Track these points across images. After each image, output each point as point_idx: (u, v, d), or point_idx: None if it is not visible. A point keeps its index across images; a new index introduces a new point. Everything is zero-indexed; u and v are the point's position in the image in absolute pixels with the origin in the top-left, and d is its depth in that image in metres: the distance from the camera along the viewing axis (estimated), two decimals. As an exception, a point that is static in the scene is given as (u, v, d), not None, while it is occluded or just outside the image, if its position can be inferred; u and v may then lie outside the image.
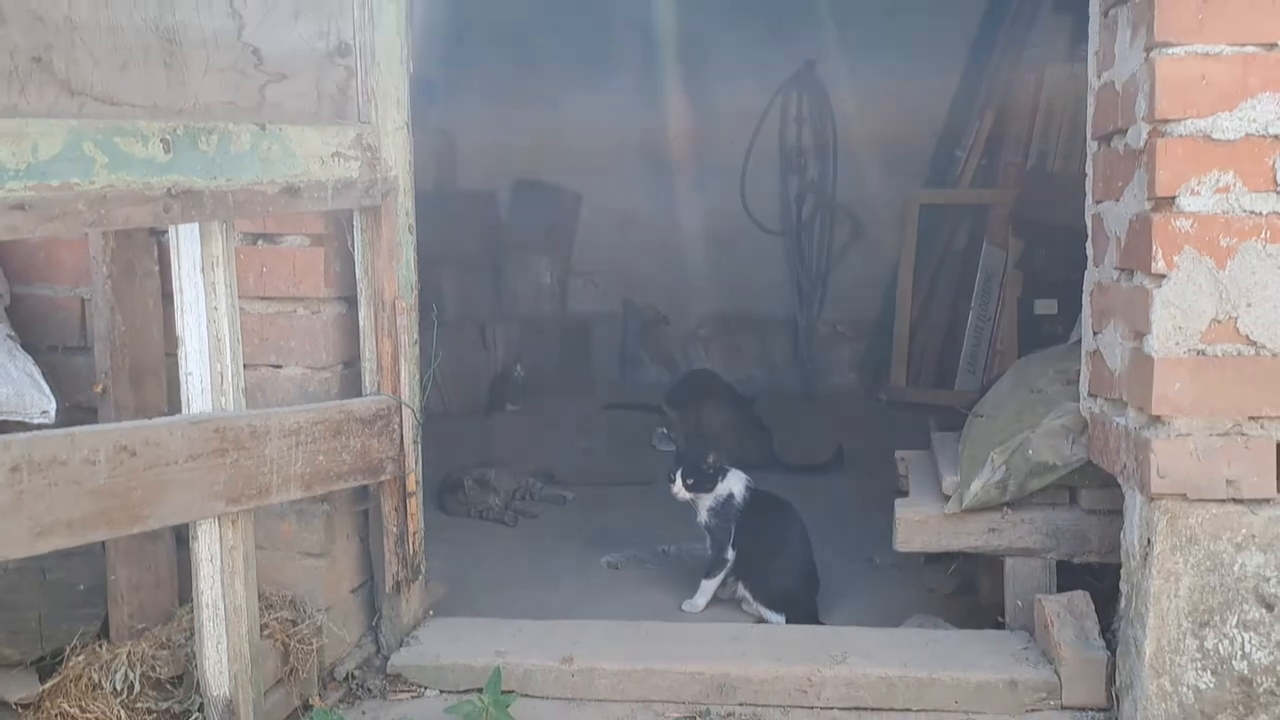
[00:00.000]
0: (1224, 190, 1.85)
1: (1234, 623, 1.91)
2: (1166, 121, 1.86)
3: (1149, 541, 1.94)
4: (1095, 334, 2.24)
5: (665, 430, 5.27)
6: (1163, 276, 1.88)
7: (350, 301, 2.22)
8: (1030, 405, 2.47)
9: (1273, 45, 1.82)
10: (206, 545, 1.80)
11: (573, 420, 5.77)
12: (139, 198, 1.59)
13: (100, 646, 1.96)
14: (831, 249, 6.53)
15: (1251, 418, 1.88)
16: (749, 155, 6.49)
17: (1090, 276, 2.27)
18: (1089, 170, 2.26)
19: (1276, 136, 1.83)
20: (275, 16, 1.86)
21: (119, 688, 1.87)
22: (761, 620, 2.88)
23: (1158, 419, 1.91)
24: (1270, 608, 1.89)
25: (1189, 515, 1.91)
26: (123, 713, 1.84)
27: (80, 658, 1.93)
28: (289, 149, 1.85)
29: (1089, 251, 2.27)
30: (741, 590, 2.96)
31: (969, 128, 6.21)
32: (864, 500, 3.73)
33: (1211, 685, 1.91)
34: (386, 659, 2.26)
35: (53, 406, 1.97)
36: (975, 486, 2.43)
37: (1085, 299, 2.30)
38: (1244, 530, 1.89)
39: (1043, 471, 2.39)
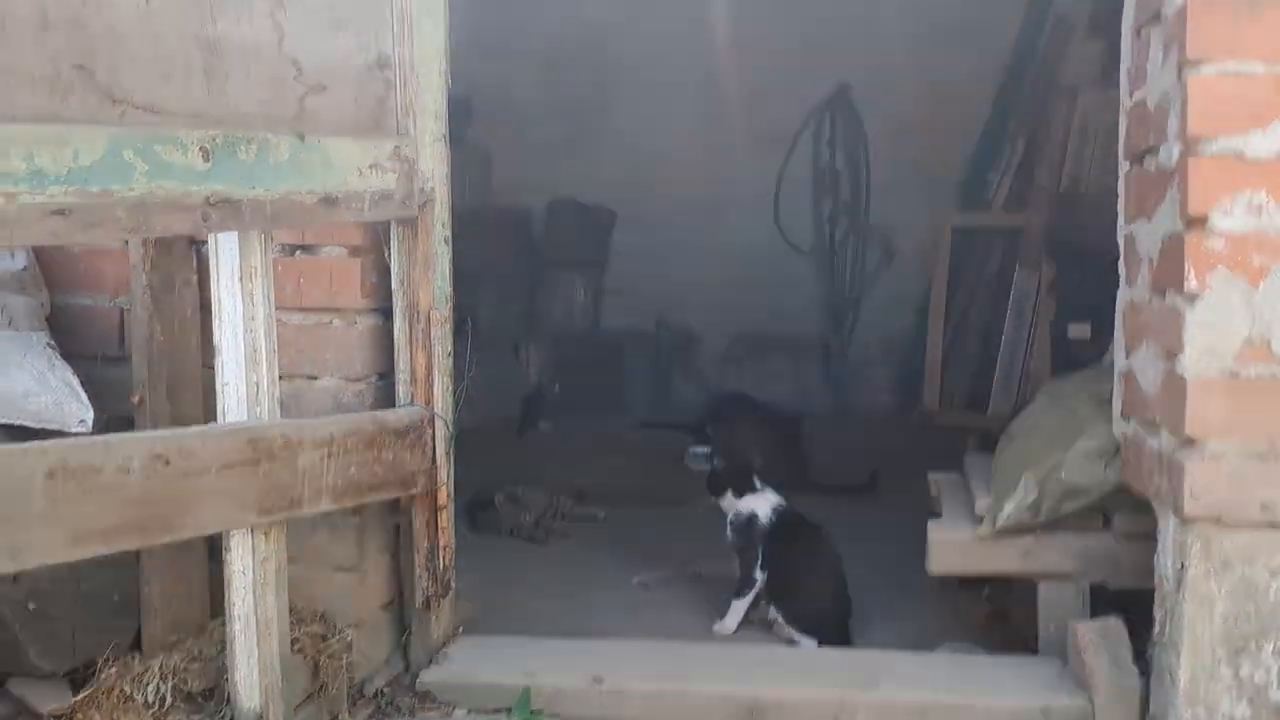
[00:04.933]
0: (1257, 209, 1.84)
1: (1270, 651, 1.88)
2: (1199, 140, 1.85)
3: (1182, 566, 1.91)
4: (1128, 355, 2.22)
5: (700, 450, 5.27)
6: (1195, 296, 1.86)
7: (386, 313, 2.25)
8: (1063, 427, 2.45)
9: (1309, 64, 1.81)
10: (239, 557, 1.82)
11: (605, 438, 5.79)
12: (177, 206, 1.62)
13: (133, 659, 1.98)
14: (864, 271, 6.55)
15: (1287, 440, 1.86)
16: (782, 176, 6.53)
17: (1123, 296, 2.26)
18: (1121, 190, 2.25)
19: (1312, 156, 1.81)
20: (315, 28, 1.89)
21: (150, 700, 1.88)
22: (793, 643, 2.88)
23: (1191, 441, 1.88)
24: (1307, 635, 1.87)
25: (1223, 539, 1.88)
26: (154, 725, 1.86)
27: (112, 669, 1.95)
28: (328, 160, 1.88)
29: (1121, 272, 2.26)
30: (773, 613, 2.95)
31: (1001, 152, 6.21)
32: (897, 523, 3.71)
33: (1248, 715, 1.88)
34: (416, 676, 2.27)
35: (90, 416, 2.00)
36: (1008, 508, 2.41)
37: (1118, 320, 2.28)
38: (1279, 556, 1.87)
39: (1076, 494, 2.37)
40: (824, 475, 4.87)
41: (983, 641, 2.66)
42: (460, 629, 2.44)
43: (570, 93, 6.75)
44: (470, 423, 5.77)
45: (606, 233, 6.76)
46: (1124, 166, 2.24)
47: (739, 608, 2.97)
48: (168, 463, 1.65)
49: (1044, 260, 5.73)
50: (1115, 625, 2.23)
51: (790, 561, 2.96)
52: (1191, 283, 1.86)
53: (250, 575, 1.83)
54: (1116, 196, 2.32)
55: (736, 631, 2.96)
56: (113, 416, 2.19)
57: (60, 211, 1.45)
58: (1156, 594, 2.06)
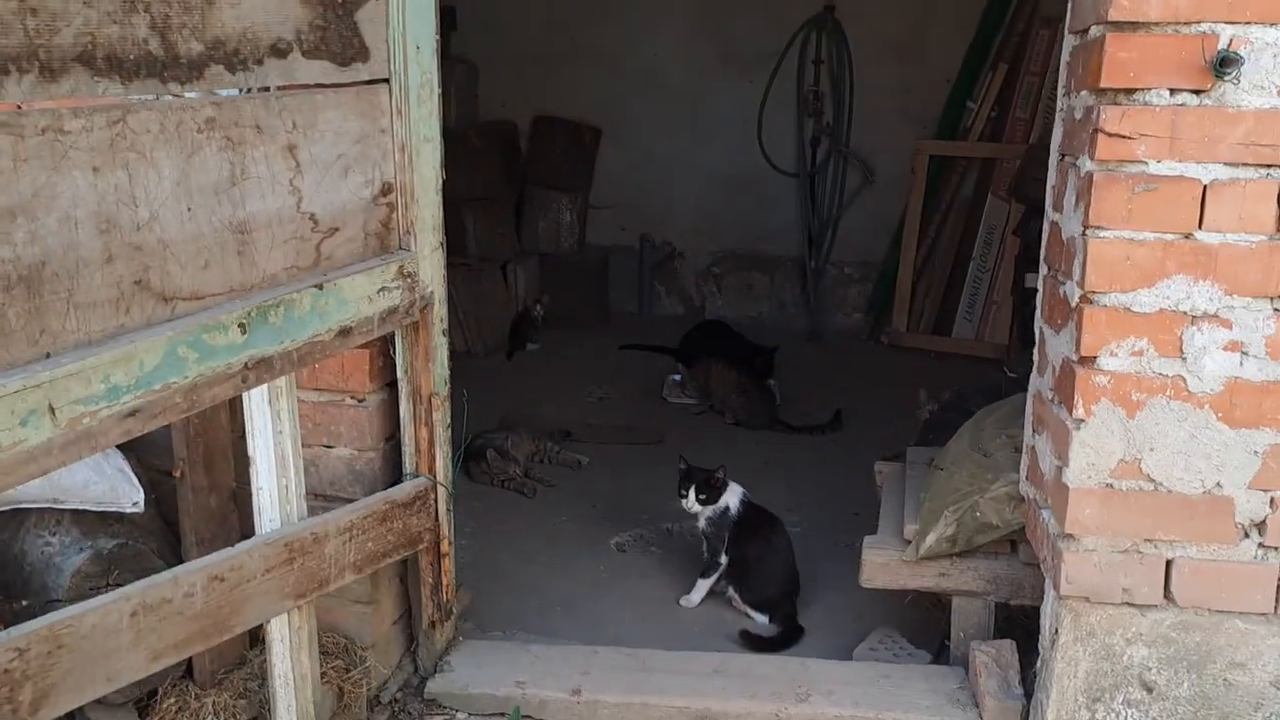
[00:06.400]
0: (1138, 354, 2.16)
1: (1120, 700, 2.31)
2: (1094, 292, 2.15)
3: (1056, 631, 2.32)
4: (1034, 433, 2.57)
5: (677, 378, 5.63)
6: (1082, 421, 2.20)
7: (392, 385, 2.57)
8: (981, 469, 2.81)
9: (1189, 235, 2.10)
10: (278, 629, 2.20)
11: (590, 359, 6.14)
12: (222, 378, 1.92)
13: (188, 689, 2.39)
14: (843, 193, 6.74)
15: (1147, 539, 2.23)
16: (766, 95, 6.65)
17: (1033, 384, 2.59)
18: (1040, 290, 2.55)
19: (1185, 312, 2.12)
20: (329, 180, 2.15)
21: (207, 732, 2.31)
22: (748, 617, 3.33)
23: (1070, 535, 2.26)
24: (1150, 690, 2.29)
25: (1090, 614, 2.29)
26: (211, 754, 2.29)
27: (171, 700, 2.36)
28: (342, 298, 2.16)
29: (1034, 360, 2.59)
30: (731, 592, 3.39)
31: (981, 80, 6.36)
32: (857, 468, 4.11)
33: (1100, 749, 2.33)
34: (424, 680, 2.70)
35: (141, 497, 2.35)
36: (930, 539, 2.80)
37: (1029, 403, 2.62)
38: (1134, 628, 2.27)
39: (987, 530, 2.76)
40: (793, 413, 5.24)
41: (913, 613, 3.08)
42: (462, 622, 2.85)
43: (556, 6, 6.80)
44: (461, 346, 6.13)
45: (591, 150, 6.90)
46: (1043, 269, 2.53)
47: (703, 585, 3.42)
48: (222, 580, 2.01)
49: (1011, 205, 5.96)
50: (1008, 649, 2.66)
51: (749, 548, 3.38)
52: (1079, 411, 2.20)
53: (288, 643, 2.22)
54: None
55: (700, 604, 3.41)
56: (154, 469, 2.54)
57: (132, 413, 1.76)
58: (1039, 638, 2.48)
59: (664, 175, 6.84)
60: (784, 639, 3.18)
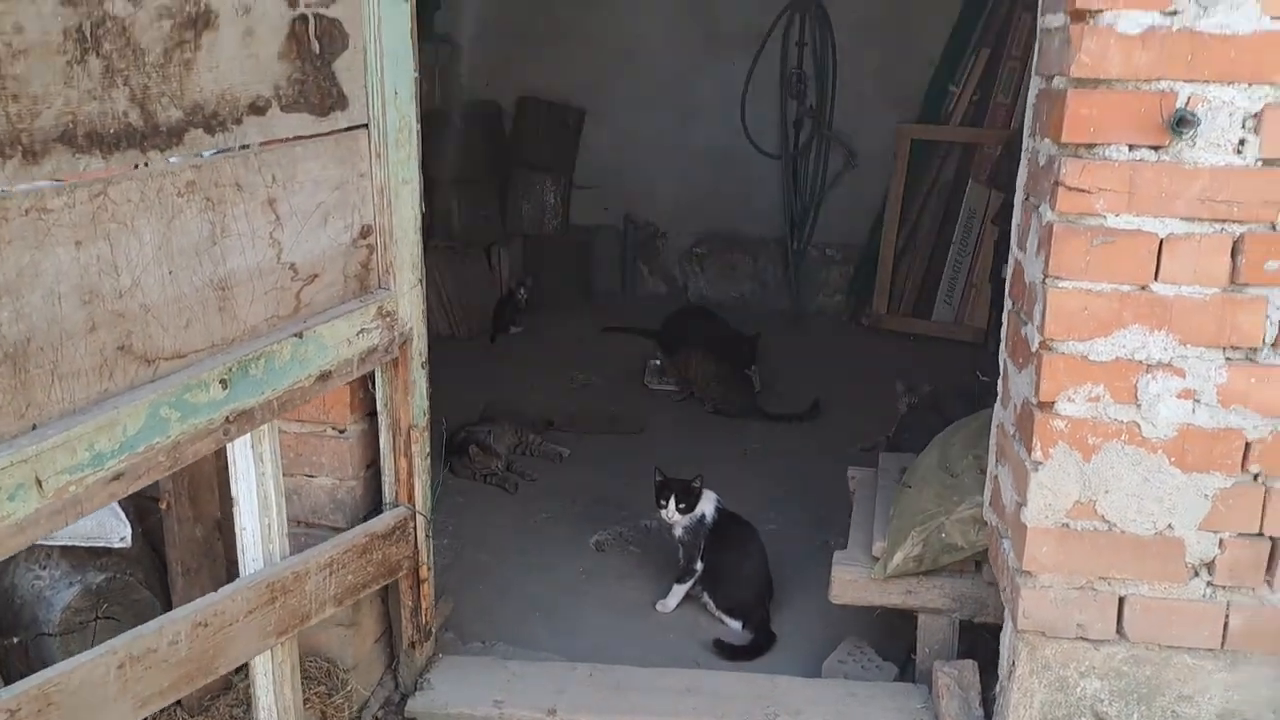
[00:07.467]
0: (1094, 400, 2.23)
1: (1074, 728, 2.41)
2: (1053, 340, 2.21)
3: (1013, 663, 2.42)
4: (996, 463, 2.64)
5: (657, 362, 5.69)
6: (1040, 463, 2.28)
7: (372, 415, 2.63)
8: (948, 490, 2.89)
9: (1145, 286, 2.16)
10: (261, 665, 2.28)
11: (573, 342, 6.20)
12: (204, 433, 1.98)
13: (176, 716, 2.47)
14: (826, 175, 6.77)
15: (1100, 577, 2.32)
16: (750, 77, 6.64)
17: (997, 416, 2.66)
18: (1005, 326, 2.62)
19: (1141, 361, 2.19)
20: (308, 229, 2.18)
21: (198, 757, 2.39)
22: (722, 623, 3.42)
23: (1028, 572, 2.35)
24: (1102, 720, 2.39)
25: (1045, 647, 2.38)
26: (204, 777, 2.38)
27: (162, 726, 2.45)
28: (322, 344, 2.21)
29: (998, 390, 2.66)
30: (706, 598, 3.48)
31: (964, 64, 6.37)
32: (833, 461, 4.20)
33: (1053, 773, 2.43)
34: (405, 697, 2.78)
35: (128, 532, 2.42)
36: (897, 558, 2.89)
37: (993, 433, 2.69)
38: (1087, 662, 2.37)
39: (952, 550, 2.84)
40: (773, 397, 5.33)
41: (882, 619, 3.18)
42: (439, 653, 2.93)
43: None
44: (446, 330, 6.18)
45: (576, 131, 6.90)
46: (1009, 304, 2.59)
47: (679, 591, 3.51)
48: (206, 625, 2.08)
49: (992, 189, 6.00)
50: (970, 670, 2.76)
51: (724, 555, 3.46)
52: (1037, 454, 2.27)
53: (270, 676, 2.30)
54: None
55: (675, 610, 3.50)
56: (141, 494, 2.60)
57: (117, 476, 1.81)
58: (999, 665, 2.58)
59: (647, 156, 6.86)
60: (756, 647, 3.28)
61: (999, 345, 2.67)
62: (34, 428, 1.71)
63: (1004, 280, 2.65)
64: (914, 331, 6.41)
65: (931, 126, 6.43)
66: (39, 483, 1.70)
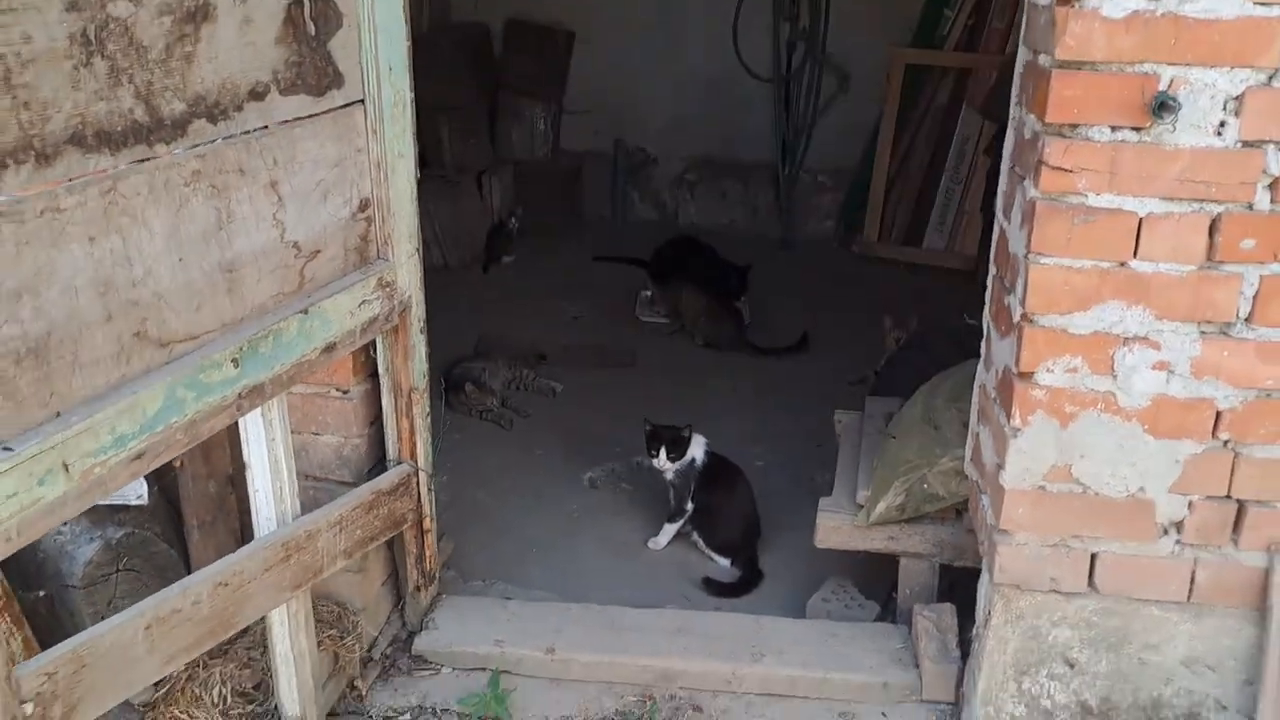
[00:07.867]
0: (1073, 371, 2.32)
1: (1044, 674, 2.56)
2: (1034, 313, 2.30)
3: (989, 613, 2.55)
4: (978, 421, 2.75)
5: (648, 293, 5.75)
6: (1019, 430, 2.38)
7: (375, 376, 2.71)
8: (931, 443, 3.00)
9: (1124, 264, 2.23)
10: (277, 615, 2.40)
11: (564, 272, 6.24)
12: (218, 409, 2.06)
13: (197, 660, 2.60)
14: (818, 99, 6.73)
15: (1074, 535, 2.43)
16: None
17: (979, 376, 2.75)
18: (988, 289, 2.69)
19: (1118, 334, 2.27)
20: (309, 207, 2.24)
21: (215, 700, 2.52)
22: (711, 560, 3.56)
23: (1005, 530, 2.47)
24: (1071, 666, 2.53)
25: (1020, 599, 2.51)
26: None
27: (183, 671, 2.57)
28: (326, 318, 2.29)
29: (981, 351, 2.74)
30: (696, 536, 3.62)
31: (961, -14, 6.31)
32: (821, 396, 4.31)
33: (1024, 714, 2.59)
34: (412, 634, 2.92)
35: (145, 491, 2.51)
36: (880, 507, 3.01)
37: (975, 393, 2.79)
38: (1059, 613, 2.50)
39: (934, 500, 2.96)
40: (763, 329, 5.41)
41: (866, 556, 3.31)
42: (442, 593, 3.06)
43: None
44: (439, 260, 6.21)
45: (565, 54, 6.84)
46: (993, 269, 2.66)
47: (670, 530, 3.65)
48: (226, 584, 2.19)
49: (984, 120, 6.00)
50: (948, 614, 2.90)
51: (713, 496, 3.59)
52: (1016, 420, 2.37)
53: (286, 625, 2.42)
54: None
55: (666, 547, 3.64)
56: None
57: (139, 455, 1.90)
58: (977, 610, 2.71)
59: (638, 79, 6.81)
60: (744, 584, 3.43)
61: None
62: (58, 415, 1.79)
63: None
64: (905, 259, 6.45)
65: (926, 51, 6.38)
66: (66, 467, 1.79)
